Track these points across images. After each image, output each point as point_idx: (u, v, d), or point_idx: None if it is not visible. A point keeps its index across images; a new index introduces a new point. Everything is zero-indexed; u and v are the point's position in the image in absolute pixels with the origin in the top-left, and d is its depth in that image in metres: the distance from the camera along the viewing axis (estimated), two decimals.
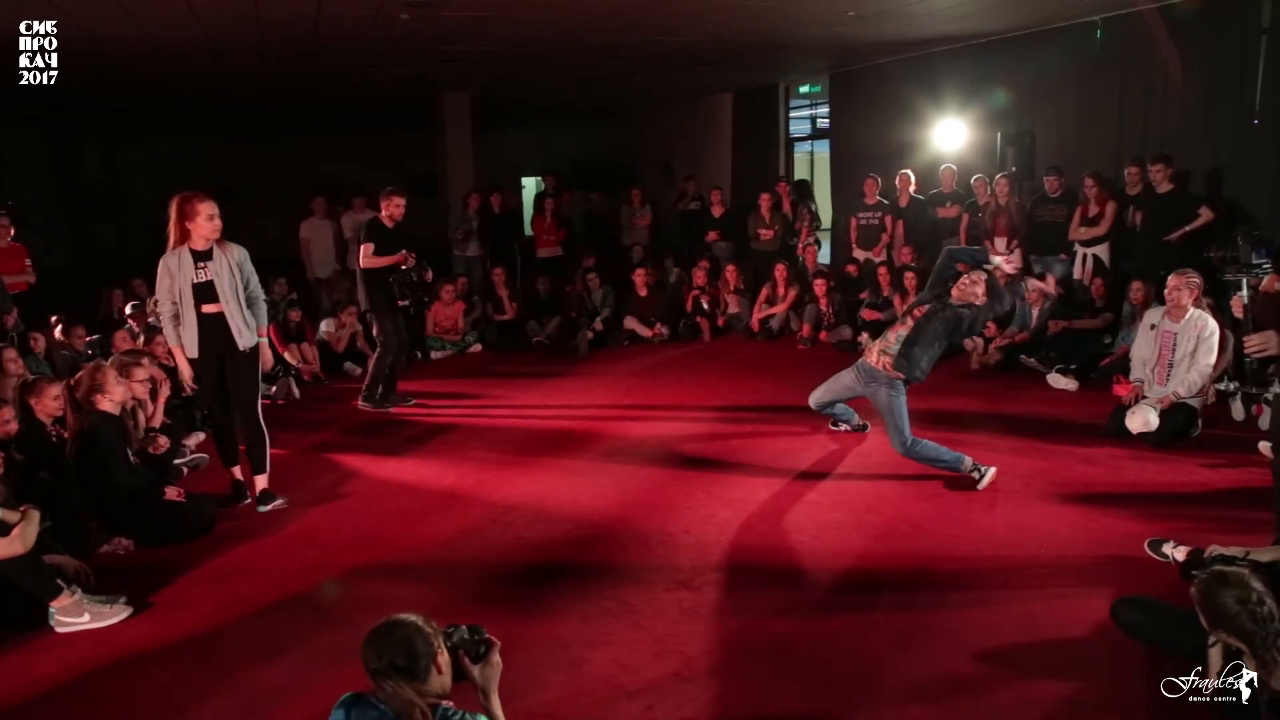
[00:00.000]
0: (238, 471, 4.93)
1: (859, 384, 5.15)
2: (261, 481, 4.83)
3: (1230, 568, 2.68)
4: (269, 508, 4.78)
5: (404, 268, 6.50)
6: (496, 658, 2.29)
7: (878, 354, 4.99)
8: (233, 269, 4.54)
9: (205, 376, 4.70)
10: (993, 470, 4.79)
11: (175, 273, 4.50)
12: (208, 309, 4.52)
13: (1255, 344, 3.68)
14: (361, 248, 6.48)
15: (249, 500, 4.86)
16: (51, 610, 3.55)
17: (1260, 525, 3.91)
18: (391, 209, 6.52)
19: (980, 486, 4.74)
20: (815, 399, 5.57)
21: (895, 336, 4.96)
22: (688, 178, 11.98)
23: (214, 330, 4.55)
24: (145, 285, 8.17)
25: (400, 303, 6.58)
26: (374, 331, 6.91)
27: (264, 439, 4.80)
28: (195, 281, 4.49)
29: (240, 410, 4.75)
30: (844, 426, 5.79)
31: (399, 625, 2.17)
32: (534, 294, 9.70)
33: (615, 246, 11.49)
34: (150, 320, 7.37)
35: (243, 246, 4.65)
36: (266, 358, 4.84)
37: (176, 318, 4.57)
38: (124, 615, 3.64)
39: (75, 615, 3.57)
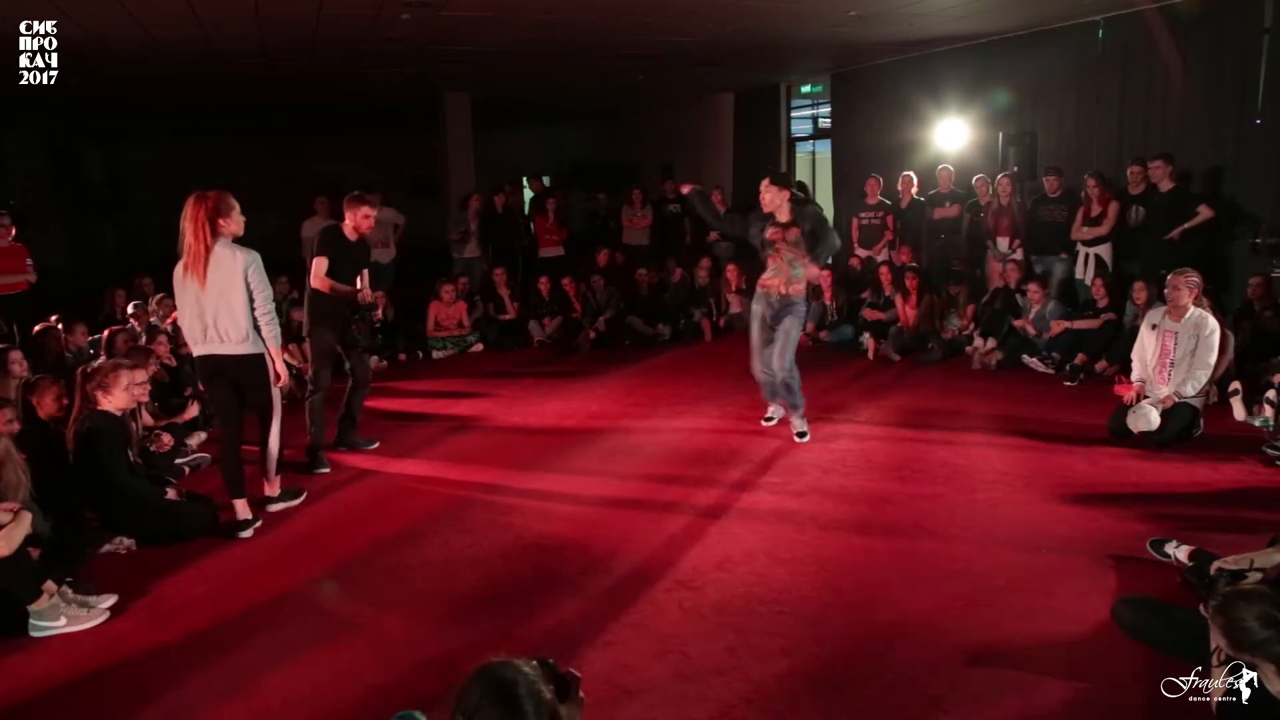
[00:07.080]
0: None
1: (770, 320, 5.65)
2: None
3: (1246, 585, 2.64)
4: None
5: (363, 304, 5.49)
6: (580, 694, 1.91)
7: (785, 285, 5.52)
8: None
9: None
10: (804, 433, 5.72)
11: None
12: None
13: None
14: (314, 262, 5.31)
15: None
16: (30, 613, 3.51)
17: (1261, 526, 3.91)
18: (358, 220, 5.42)
19: (801, 439, 5.66)
20: (757, 367, 5.85)
21: (784, 265, 5.50)
22: (666, 179, 11.95)
23: None
24: (153, 283, 8.19)
25: (356, 347, 5.62)
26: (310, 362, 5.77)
27: None
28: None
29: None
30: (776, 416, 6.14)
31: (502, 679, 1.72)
32: (535, 294, 9.70)
33: (617, 246, 11.47)
34: (152, 320, 7.36)
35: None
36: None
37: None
38: (101, 619, 3.60)
39: (51, 619, 3.53)
